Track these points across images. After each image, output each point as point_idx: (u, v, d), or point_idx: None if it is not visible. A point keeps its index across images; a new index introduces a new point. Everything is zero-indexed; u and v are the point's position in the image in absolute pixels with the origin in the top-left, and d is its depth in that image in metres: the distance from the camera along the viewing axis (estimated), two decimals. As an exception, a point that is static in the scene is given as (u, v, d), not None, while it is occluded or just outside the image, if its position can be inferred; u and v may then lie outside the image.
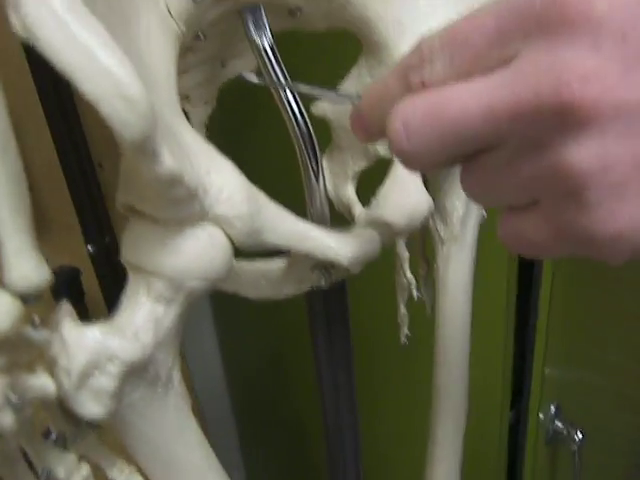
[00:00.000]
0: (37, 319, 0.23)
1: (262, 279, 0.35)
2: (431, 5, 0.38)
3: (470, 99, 0.20)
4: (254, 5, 0.34)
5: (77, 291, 0.68)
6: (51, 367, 0.26)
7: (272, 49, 0.35)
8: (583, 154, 0.19)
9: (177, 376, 0.31)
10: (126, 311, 0.28)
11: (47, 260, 0.23)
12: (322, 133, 0.40)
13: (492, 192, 0.23)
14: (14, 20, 0.18)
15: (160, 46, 0.28)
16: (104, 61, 0.19)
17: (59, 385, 0.26)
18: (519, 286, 0.73)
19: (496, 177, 0.22)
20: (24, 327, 0.24)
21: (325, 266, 0.33)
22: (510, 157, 0.21)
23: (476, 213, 0.46)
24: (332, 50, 0.52)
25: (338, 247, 0.31)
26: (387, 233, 0.34)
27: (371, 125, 0.25)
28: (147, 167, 0.23)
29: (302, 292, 0.36)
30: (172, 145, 0.25)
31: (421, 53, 0.22)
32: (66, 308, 0.27)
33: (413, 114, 0.21)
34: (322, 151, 0.39)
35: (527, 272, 0.75)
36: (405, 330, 0.51)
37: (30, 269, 0.23)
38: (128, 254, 0.28)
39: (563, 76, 0.18)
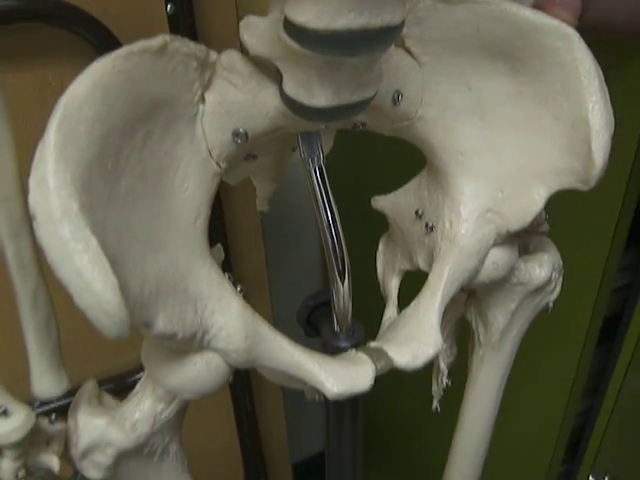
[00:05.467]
0: (53, 417, 0.30)
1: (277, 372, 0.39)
2: (494, 141, 0.37)
3: None
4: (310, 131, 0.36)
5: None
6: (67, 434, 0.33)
7: (321, 172, 0.37)
8: None
9: (174, 447, 0.37)
10: (134, 400, 0.34)
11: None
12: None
13: None
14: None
15: (195, 189, 0.32)
16: (91, 283, 0.23)
17: (69, 451, 0.33)
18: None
19: None
20: (43, 421, 0.31)
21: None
22: None
23: (519, 327, 0.46)
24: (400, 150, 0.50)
25: (327, 382, 0.34)
26: (386, 365, 0.37)
27: None
28: (142, 329, 0.28)
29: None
30: (173, 302, 0.29)
31: None
32: (87, 388, 0.34)
33: None
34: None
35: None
36: (435, 403, 0.53)
37: (49, 386, 0.29)
38: (143, 357, 0.34)
39: None
